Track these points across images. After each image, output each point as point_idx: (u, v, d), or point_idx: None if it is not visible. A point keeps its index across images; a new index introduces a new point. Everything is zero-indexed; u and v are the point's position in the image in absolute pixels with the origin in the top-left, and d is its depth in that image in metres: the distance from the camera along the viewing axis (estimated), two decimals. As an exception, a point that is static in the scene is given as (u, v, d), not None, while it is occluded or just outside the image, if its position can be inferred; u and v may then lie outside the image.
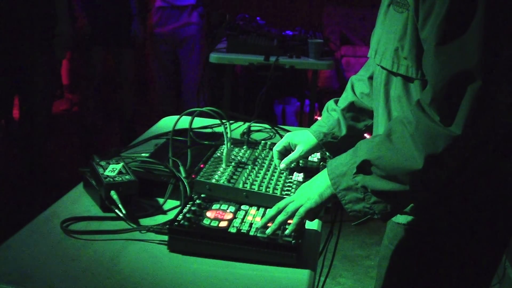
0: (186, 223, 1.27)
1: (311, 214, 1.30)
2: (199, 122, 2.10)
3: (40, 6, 3.59)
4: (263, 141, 1.81)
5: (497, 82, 1.11)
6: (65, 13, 3.78)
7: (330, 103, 1.68)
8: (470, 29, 1.10)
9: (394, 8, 1.28)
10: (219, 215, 1.33)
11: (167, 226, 1.27)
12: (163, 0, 4.40)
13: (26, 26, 3.53)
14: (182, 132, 1.85)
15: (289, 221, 1.30)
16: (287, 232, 1.27)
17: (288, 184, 1.53)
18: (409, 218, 1.37)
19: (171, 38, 4.50)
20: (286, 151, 1.63)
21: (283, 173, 1.58)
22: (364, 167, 1.23)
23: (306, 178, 1.56)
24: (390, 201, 1.23)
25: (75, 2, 4.29)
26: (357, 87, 1.64)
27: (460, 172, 1.24)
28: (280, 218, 1.30)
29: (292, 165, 1.61)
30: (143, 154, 1.73)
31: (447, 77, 1.12)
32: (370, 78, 1.58)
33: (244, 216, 1.35)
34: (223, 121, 1.59)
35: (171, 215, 1.43)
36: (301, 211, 1.29)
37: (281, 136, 2.01)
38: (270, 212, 1.33)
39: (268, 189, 1.47)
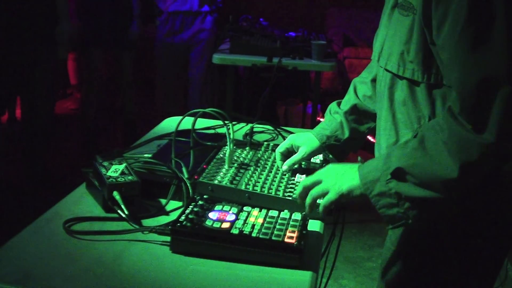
0: (188, 224, 1.27)
1: (332, 205, 1.33)
2: (202, 123, 2.10)
3: (41, 6, 3.60)
4: (265, 143, 1.80)
5: None
6: (66, 12, 3.79)
7: (333, 106, 1.68)
8: (493, 34, 1.09)
9: (399, 12, 1.27)
10: (221, 216, 1.33)
11: (170, 227, 1.27)
12: (177, 5, 4.38)
13: (27, 25, 3.53)
14: (185, 133, 1.85)
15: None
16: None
17: (291, 185, 1.53)
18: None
19: (184, 45, 4.49)
20: (288, 153, 1.63)
21: (285, 175, 1.58)
22: (398, 174, 1.22)
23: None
24: (424, 207, 1.23)
25: (70, 6, 4.29)
26: (359, 89, 1.64)
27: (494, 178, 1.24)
28: (307, 201, 1.34)
29: (295, 166, 1.61)
30: (145, 155, 1.73)
31: (474, 84, 1.11)
32: (373, 80, 1.57)
33: (247, 217, 1.34)
34: (226, 122, 1.59)
35: (173, 216, 1.43)
36: (325, 202, 1.32)
37: (284, 138, 2.01)
38: (305, 182, 1.36)
39: (270, 191, 1.47)
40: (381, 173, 1.24)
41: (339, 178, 1.31)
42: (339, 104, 1.67)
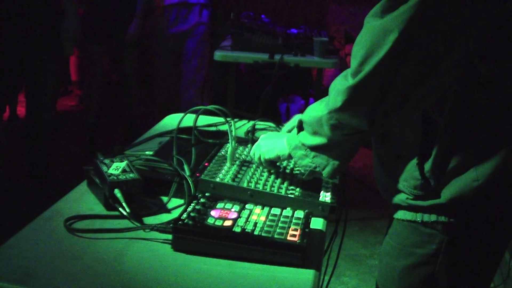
0: (190, 222, 1.26)
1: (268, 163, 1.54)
2: (203, 120, 2.09)
3: (47, 2, 3.59)
4: (267, 140, 1.79)
5: (414, 36, 1.14)
6: (72, 8, 3.77)
7: None
8: (408, 3, 1.12)
9: None
10: (223, 214, 1.32)
11: (171, 225, 1.27)
12: None
13: (33, 22, 3.52)
14: (187, 130, 1.84)
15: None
16: None
17: (293, 183, 1.52)
18: (407, 213, 1.37)
19: (180, 38, 4.47)
20: None
21: (287, 172, 1.57)
22: (300, 126, 1.41)
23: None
24: (325, 154, 1.37)
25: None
26: None
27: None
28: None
29: None
30: (147, 152, 1.73)
31: (370, 38, 1.17)
32: None
33: (249, 215, 1.34)
34: (228, 119, 1.58)
35: (175, 214, 1.42)
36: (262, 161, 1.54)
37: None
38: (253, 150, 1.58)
39: (272, 188, 1.46)
40: (295, 128, 1.43)
41: (274, 143, 1.51)
42: None
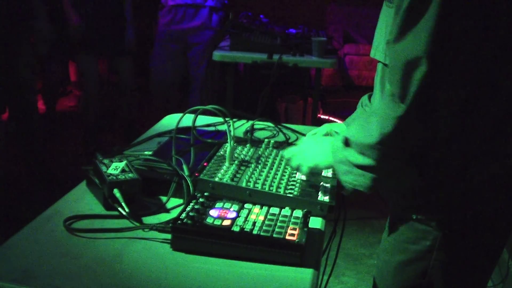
0: (189, 221, 1.27)
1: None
2: (202, 120, 2.10)
3: (16, 5, 3.62)
4: (266, 139, 1.80)
5: (443, 68, 1.17)
6: (42, 10, 3.84)
7: (364, 99, 1.71)
8: (423, 20, 1.14)
9: (386, 4, 1.32)
10: (222, 214, 1.32)
11: (170, 225, 1.27)
12: None
13: (3, 25, 3.55)
14: (185, 130, 1.85)
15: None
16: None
17: (292, 182, 1.52)
18: (403, 211, 1.38)
19: (183, 38, 4.45)
20: None
21: (286, 172, 1.58)
22: (346, 143, 1.34)
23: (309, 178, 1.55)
24: (370, 173, 1.31)
25: (67, 5, 4.26)
26: None
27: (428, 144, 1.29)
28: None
29: None
30: (146, 152, 1.73)
31: (401, 64, 1.18)
32: None
33: (248, 214, 1.34)
34: (227, 119, 1.58)
35: (174, 214, 1.42)
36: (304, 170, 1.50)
37: (284, 134, 2.04)
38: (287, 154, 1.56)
39: (271, 188, 1.46)
40: (340, 142, 1.37)
41: (317, 153, 1.48)
42: (369, 97, 1.69)
